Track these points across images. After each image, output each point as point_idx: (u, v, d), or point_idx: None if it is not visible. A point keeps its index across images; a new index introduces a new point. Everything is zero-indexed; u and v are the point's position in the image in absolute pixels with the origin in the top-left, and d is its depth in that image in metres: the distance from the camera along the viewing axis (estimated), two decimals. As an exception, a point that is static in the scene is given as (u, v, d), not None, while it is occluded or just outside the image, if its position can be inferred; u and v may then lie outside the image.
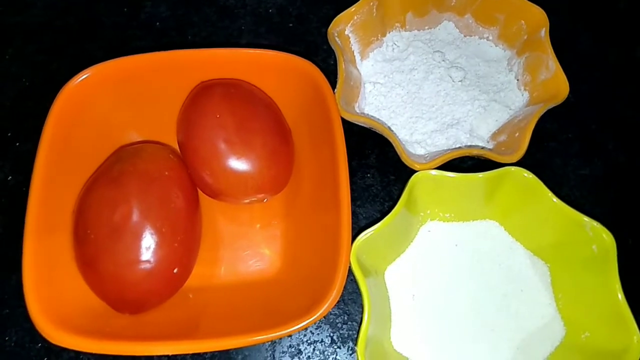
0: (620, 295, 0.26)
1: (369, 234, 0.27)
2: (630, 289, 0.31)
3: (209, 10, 0.39)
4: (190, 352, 0.25)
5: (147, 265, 0.25)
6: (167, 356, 0.29)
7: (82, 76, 0.29)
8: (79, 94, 0.29)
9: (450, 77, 0.34)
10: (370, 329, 0.26)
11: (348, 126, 0.33)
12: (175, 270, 0.26)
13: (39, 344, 0.30)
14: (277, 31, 0.39)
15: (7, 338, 0.30)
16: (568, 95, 0.36)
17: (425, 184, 0.28)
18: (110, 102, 0.30)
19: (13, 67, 0.37)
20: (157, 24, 0.39)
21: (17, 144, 0.35)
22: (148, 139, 0.31)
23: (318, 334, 0.30)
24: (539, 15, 0.32)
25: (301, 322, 0.24)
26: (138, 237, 0.25)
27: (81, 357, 0.29)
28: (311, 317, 0.25)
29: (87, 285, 0.26)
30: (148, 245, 0.25)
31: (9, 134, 0.35)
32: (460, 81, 0.34)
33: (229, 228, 0.32)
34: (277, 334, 0.24)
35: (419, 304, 0.29)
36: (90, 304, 0.27)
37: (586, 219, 0.27)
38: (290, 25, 0.39)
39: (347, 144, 0.35)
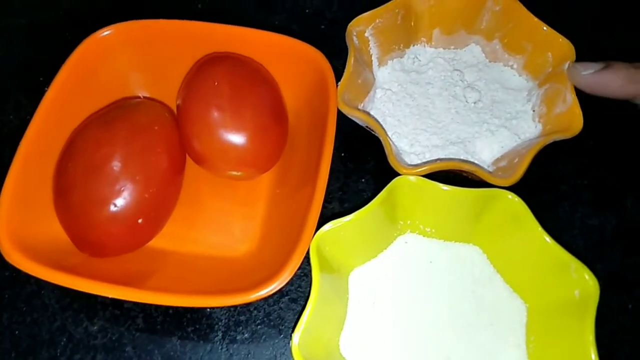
0: (594, 354, 0.23)
1: (333, 226, 0.26)
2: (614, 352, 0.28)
3: (249, 1, 0.41)
4: (131, 299, 0.24)
5: (113, 208, 0.26)
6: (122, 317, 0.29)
7: (105, 32, 0.31)
8: (99, 47, 0.31)
9: (465, 97, 0.33)
10: (318, 325, 0.25)
11: (353, 130, 0.33)
12: (139, 221, 0.27)
13: (7, 273, 0.31)
14: (308, 30, 0.39)
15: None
16: (590, 141, 0.35)
17: (407, 190, 0.27)
18: (127, 59, 0.32)
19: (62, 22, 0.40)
20: (199, 5, 0.41)
21: (46, 88, 0.37)
22: (153, 98, 0.32)
23: (273, 325, 0.29)
24: (566, 47, 0.30)
25: (239, 298, 0.24)
26: (111, 179, 0.26)
27: (42, 292, 0.30)
28: (250, 295, 0.24)
29: (57, 216, 0.27)
30: (118, 189, 0.26)
31: (41, 79, 0.37)
32: (474, 103, 0.33)
33: (212, 202, 0.32)
34: (212, 302, 0.25)
35: (378, 313, 0.27)
36: (57, 238, 0.28)
37: (571, 258, 0.25)
38: (323, 27, 0.40)
39: (349, 146, 0.35)
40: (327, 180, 0.27)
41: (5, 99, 0.37)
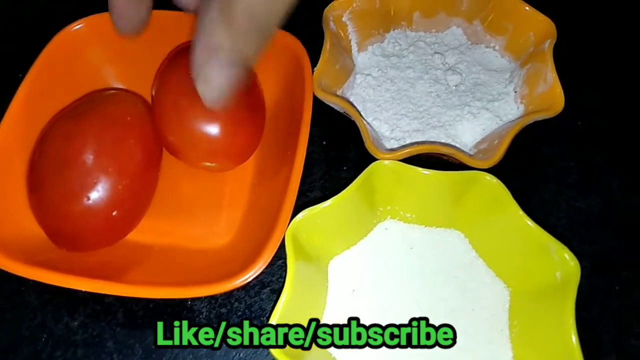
0: (574, 337, 0.23)
1: (309, 213, 0.25)
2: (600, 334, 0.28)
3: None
4: (109, 293, 0.24)
5: (86, 201, 0.25)
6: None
7: (76, 26, 0.31)
8: (71, 41, 0.31)
9: (446, 80, 0.32)
10: (296, 313, 0.24)
11: (336, 118, 0.32)
12: (114, 213, 0.26)
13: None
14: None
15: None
16: (578, 123, 0.34)
17: (385, 176, 0.27)
18: (100, 52, 0.31)
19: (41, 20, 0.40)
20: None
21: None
22: (128, 90, 0.32)
23: (254, 316, 0.29)
24: (547, 26, 0.30)
25: (214, 288, 0.24)
26: (83, 172, 0.25)
27: (22, 289, 0.30)
28: (225, 285, 0.24)
29: (31, 211, 0.27)
30: (91, 182, 0.25)
31: (20, 75, 0.37)
32: (456, 86, 0.32)
33: (192, 194, 0.31)
34: (187, 292, 0.24)
35: (358, 301, 0.27)
36: (33, 234, 0.27)
37: (551, 239, 0.24)
38: (300, 13, 0.38)
39: (331, 135, 0.34)
40: (302, 168, 0.26)
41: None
